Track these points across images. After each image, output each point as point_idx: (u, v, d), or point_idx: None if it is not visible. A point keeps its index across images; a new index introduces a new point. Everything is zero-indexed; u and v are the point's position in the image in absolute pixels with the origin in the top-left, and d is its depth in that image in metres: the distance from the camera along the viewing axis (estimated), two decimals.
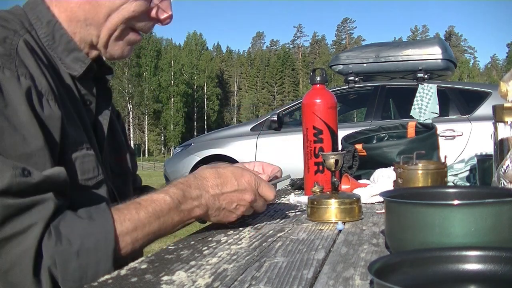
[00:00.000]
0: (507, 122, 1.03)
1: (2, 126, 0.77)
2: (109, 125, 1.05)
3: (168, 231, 0.88)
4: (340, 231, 0.95)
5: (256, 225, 1.01)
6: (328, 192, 1.11)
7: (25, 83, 0.81)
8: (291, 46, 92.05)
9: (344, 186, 1.35)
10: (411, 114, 5.22)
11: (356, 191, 1.27)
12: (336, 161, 1.07)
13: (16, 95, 0.79)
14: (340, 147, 1.58)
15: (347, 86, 6.12)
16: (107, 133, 1.04)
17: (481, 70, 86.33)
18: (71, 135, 0.88)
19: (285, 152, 5.64)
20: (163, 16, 1.01)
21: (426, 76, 5.67)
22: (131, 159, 1.21)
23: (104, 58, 1.05)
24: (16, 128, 0.77)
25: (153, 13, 0.99)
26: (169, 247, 0.84)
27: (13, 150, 0.76)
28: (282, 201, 1.36)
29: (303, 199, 1.29)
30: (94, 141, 0.98)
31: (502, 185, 0.95)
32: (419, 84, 5.43)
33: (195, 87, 65.62)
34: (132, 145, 1.26)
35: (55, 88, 0.87)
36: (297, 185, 1.61)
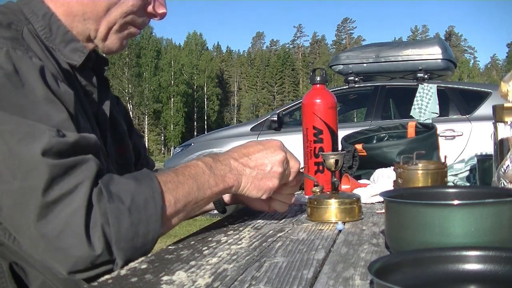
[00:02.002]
0: (507, 122, 1.03)
1: (23, 105, 0.77)
2: (110, 116, 1.06)
3: (207, 196, 0.88)
4: (340, 231, 0.95)
5: (256, 225, 1.01)
6: (328, 192, 1.11)
7: (37, 62, 0.82)
8: (291, 46, 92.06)
9: (344, 186, 1.35)
10: (411, 114, 5.21)
11: (356, 191, 1.27)
12: (336, 161, 1.07)
13: (31, 73, 0.80)
14: (340, 147, 1.58)
15: (347, 86, 6.12)
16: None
17: (481, 70, 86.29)
18: (80, 120, 0.89)
19: None
20: (160, 10, 1.02)
21: (426, 76, 5.67)
22: (139, 142, 1.22)
23: (101, 51, 1.05)
24: (37, 105, 0.78)
25: (150, 8, 1.00)
26: (169, 247, 0.84)
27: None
28: None
29: (303, 199, 1.29)
30: (98, 132, 0.98)
31: (502, 185, 0.95)
32: (419, 84, 5.42)
33: (195, 87, 65.61)
34: None
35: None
36: None
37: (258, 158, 0.95)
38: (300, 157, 1.39)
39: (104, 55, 1.09)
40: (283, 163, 0.96)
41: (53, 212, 0.72)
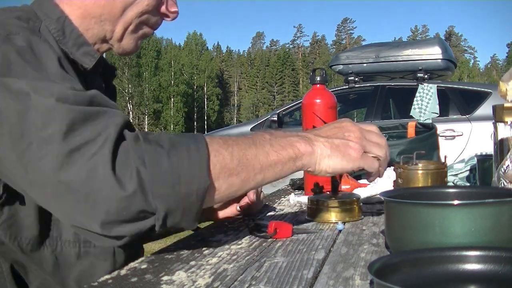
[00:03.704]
0: (507, 122, 1.03)
1: (35, 74, 0.75)
2: None
3: (271, 160, 0.76)
4: (340, 231, 0.95)
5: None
6: (328, 192, 1.11)
7: (56, 49, 0.82)
8: (291, 46, 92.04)
9: (344, 186, 1.35)
10: (411, 114, 5.21)
11: (356, 191, 1.27)
12: None
13: (47, 53, 0.80)
14: None
15: (347, 86, 6.12)
16: None
17: (481, 70, 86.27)
18: None
19: None
20: (172, 9, 1.02)
21: (426, 76, 5.67)
22: None
23: (115, 52, 1.05)
24: (50, 78, 0.76)
25: (163, 8, 1.01)
26: (169, 247, 0.84)
27: None
28: (282, 201, 1.35)
29: (303, 199, 1.28)
30: None
31: (502, 185, 0.95)
32: (419, 84, 5.42)
33: (195, 87, 65.63)
34: None
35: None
36: (297, 185, 1.61)
37: (327, 128, 0.84)
38: None
39: (112, 62, 1.09)
40: (358, 131, 0.84)
41: (75, 157, 0.67)
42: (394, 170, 1.25)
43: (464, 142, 5.18)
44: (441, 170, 1.19)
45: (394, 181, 1.24)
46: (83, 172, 0.67)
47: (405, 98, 5.55)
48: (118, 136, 0.69)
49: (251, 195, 1.06)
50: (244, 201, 1.07)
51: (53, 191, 0.69)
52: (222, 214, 1.10)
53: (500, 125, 1.04)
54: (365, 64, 6.10)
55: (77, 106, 0.70)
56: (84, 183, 0.67)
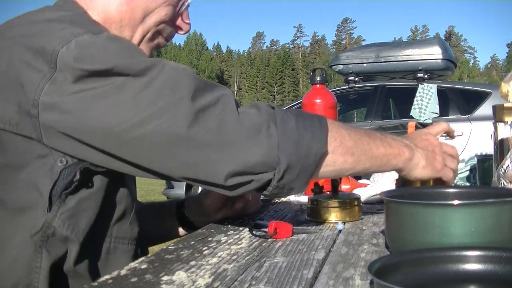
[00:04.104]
0: (507, 122, 1.03)
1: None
2: None
3: (380, 153, 0.85)
4: (340, 231, 0.95)
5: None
6: (328, 192, 1.11)
7: None
8: (291, 46, 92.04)
9: (344, 186, 1.35)
10: (411, 114, 5.22)
11: (356, 191, 1.27)
12: None
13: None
14: None
15: (347, 86, 6.12)
16: None
17: (481, 70, 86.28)
18: None
19: None
20: (187, 20, 1.03)
21: (426, 76, 5.66)
22: None
23: None
24: None
25: (179, 20, 1.02)
26: (169, 247, 0.84)
27: None
28: (282, 201, 1.36)
29: (303, 199, 1.29)
30: None
31: (502, 185, 0.95)
32: (419, 84, 5.43)
33: None
34: None
35: None
36: None
37: (421, 141, 0.91)
38: None
39: None
40: (440, 147, 0.92)
41: (202, 117, 0.74)
42: None
43: (464, 142, 5.18)
44: None
45: (397, 179, 1.24)
46: (213, 127, 0.74)
47: (405, 98, 5.55)
48: (235, 102, 0.78)
49: (247, 195, 1.08)
50: (240, 201, 1.09)
51: (180, 147, 0.75)
52: (219, 215, 1.11)
53: (500, 125, 1.04)
54: (365, 64, 6.09)
55: (196, 76, 0.78)
56: (215, 136, 0.74)
